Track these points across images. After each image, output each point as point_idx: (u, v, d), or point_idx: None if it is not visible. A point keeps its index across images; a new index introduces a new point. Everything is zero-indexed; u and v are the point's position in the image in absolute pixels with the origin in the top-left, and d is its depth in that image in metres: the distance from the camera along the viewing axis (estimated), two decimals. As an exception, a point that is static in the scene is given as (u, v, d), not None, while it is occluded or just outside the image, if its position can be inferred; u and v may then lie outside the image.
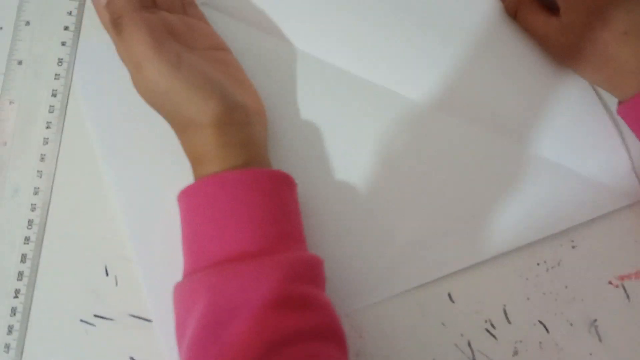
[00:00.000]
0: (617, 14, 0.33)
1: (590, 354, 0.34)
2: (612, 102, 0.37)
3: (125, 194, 0.35)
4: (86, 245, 0.35)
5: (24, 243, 0.35)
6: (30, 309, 0.34)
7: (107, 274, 0.35)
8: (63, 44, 0.37)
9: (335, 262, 0.34)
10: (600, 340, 0.34)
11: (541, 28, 0.35)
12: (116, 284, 0.35)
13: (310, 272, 0.30)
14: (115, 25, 0.30)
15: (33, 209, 0.35)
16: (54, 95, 0.37)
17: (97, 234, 0.35)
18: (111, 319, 0.34)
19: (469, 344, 0.35)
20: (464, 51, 0.37)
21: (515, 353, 0.34)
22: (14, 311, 0.34)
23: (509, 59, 0.37)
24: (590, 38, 0.34)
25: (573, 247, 0.36)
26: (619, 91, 0.35)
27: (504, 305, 0.35)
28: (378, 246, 0.35)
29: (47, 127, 0.36)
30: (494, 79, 0.37)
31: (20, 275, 0.35)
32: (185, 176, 0.36)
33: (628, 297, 0.35)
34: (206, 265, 0.29)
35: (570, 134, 0.37)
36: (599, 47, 0.34)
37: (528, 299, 0.35)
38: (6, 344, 0.34)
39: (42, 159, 0.36)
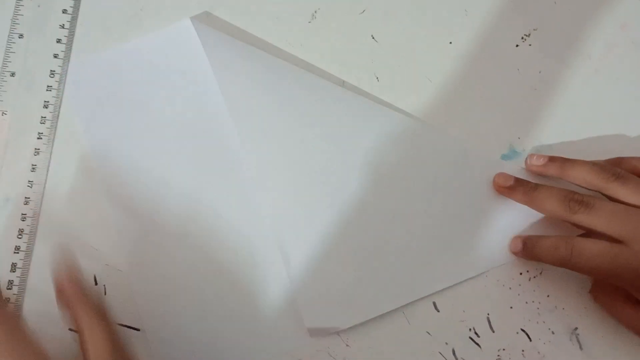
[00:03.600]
0: None
1: (572, 362, 0.35)
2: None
3: (119, 205, 0.36)
4: (75, 255, 0.35)
5: (14, 252, 0.35)
6: (19, 317, 0.35)
7: (96, 283, 0.35)
8: (55, 56, 0.38)
9: (324, 282, 0.35)
10: (581, 348, 0.35)
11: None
12: (105, 293, 0.35)
13: None
14: None
15: (23, 218, 0.36)
16: (46, 106, 0.37)
17: (86, 244, 0.35)
18: None
19: (454, 352, 0.35)
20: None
21: (499, 361, 0.35)
22: (3, 320, 0.35)
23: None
24: None
25: (554, 256, 0.36)
26: None
27: (488, 314, 0.36)
28: (369, 265, 0.36)
29: (39, 138, 0.37)
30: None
31: (10, 284, 0.35)
32: (178, 184, 0.36)
33: (608, 305, 0.36)
34: None
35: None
36: None
37: (511, 307, 0.36)
38: (-5, 353, 0.34)
39: (33, 169, 0.36)
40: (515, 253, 0.36)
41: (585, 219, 0.33)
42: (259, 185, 0.36)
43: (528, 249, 0.35)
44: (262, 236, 0.36)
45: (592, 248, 0.32)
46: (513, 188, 0.36)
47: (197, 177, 0.37)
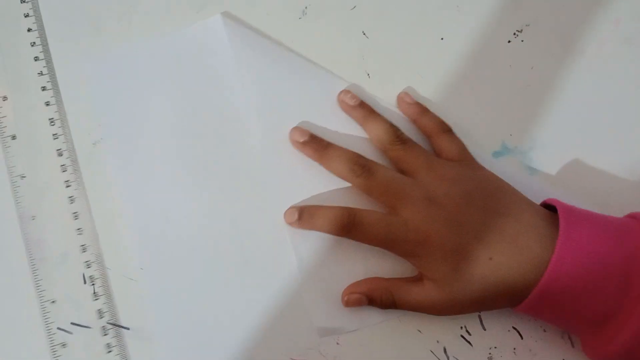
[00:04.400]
0: (475, 248, 0.32)
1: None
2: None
3: (132, 204, 0.36)
4: (64, 253, 0.35)
5: (94, 300, 0.35)
6: (8, 317, 0.35)
7: (84, 282, 0.35)
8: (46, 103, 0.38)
9: (334, 282, 0.35)
10: (572, 345, 0.35)
11: (422, 301, 0.33)
12: (94, 291, 0.35)
13: None
14: None
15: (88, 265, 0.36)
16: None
17: (75, 242, 0.35)
18: (88, 327, 0.34)
19: (445, 351, 0.35)
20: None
21: (490, 359, 0.35)
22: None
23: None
24: (464, 280, 0.32)
25: (546, 254, 0.36)
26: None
27: (479, 312, 0.35)
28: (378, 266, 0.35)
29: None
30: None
31: (104, 329, 0.34)
32: (195, 188, 0.36)
33: (600, 303, 0.36)
34: None
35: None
36: (478, 286, 0.32)
37: (502, 305, 0.36)
38: (-17, 353, 0.34)
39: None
40: (290, 223, 0.35)
41: (365, 183, 0.34)
42: (275, 182, 0.36)
43: (305, 219, 0.34)
44: (275, 234, 0.36)
45: (370, 217, 0.33)
46: (306, 144, 0.35)
47: (215, 175, 0.36)
